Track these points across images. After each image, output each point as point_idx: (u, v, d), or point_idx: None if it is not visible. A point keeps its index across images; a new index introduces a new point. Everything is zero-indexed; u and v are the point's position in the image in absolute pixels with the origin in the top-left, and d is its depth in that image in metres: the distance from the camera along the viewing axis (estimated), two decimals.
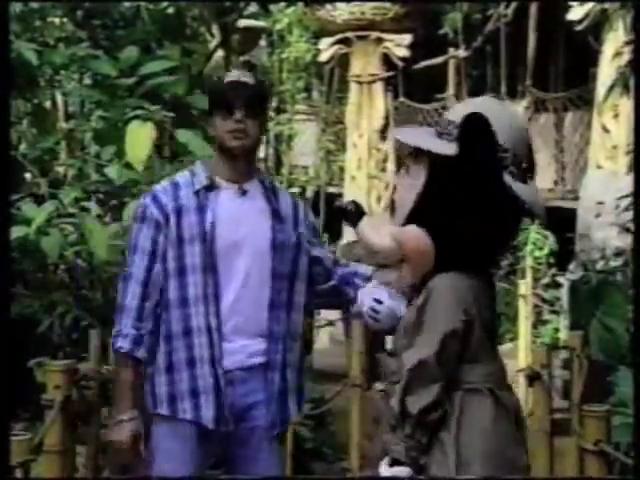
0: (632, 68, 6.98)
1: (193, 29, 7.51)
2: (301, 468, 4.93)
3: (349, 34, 12.28)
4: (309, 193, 13.54)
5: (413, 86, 12.69)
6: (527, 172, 2.48)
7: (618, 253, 7.44)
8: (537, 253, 9.84)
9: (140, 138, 5.16)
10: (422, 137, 2.52)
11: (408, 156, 2.54)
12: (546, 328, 8.82)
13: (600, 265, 7.65)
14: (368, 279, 2.89)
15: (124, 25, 6.86)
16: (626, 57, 8.61)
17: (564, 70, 12.48)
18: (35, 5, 6.15)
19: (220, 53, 8.00)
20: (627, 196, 6.63)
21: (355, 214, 2.62)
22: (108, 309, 5.52)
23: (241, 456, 2.88)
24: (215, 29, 7.97)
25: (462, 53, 12.13)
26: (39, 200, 5.32)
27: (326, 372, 6.64)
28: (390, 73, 12.44)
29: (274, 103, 13.53)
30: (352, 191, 12.31)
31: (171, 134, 5.55)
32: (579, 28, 9.78)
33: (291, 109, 14.20)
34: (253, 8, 9.39)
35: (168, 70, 6.01)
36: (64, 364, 3.45)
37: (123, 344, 2.82)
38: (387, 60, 12.35)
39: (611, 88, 8.54)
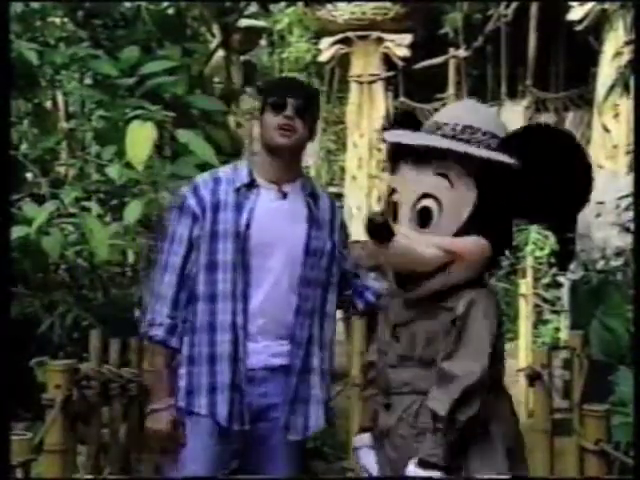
0: (632, 68, 6.98)
1: (193, 29, 7.51)
2: (303, 465, 4.92)
3: (349, 34, 12.27)
4: None
5: (413, 86, 12.68)
6: None
7: (618, 253, 7.43)
8: (538, 253, 9.84)
9: (141, 138, 5.16)
10: (464, 147, 2.47)
11: (451, 166, 2.48)
12: (547, 328, 8.82)
13: (600, 265, 7.64)
14: (379, 296, 2.91)
15: (125, 25, 6.86)
16: (626, 57, 8.61)
17: (564, 70, 12.46)
18: (36, 5, 6.15)
19: (220, 53, 8.01)
20: (627, 196, 6.63)
21: (385, 227, 2.48)
22: (109, 309, 5.55)
23: (256, 455, 2.88)
24: (215, 29, 7.98)
25: (462, 53, 12.13)
26: (40, 200, 5.32)
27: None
28: (390, 73, 12.44)
29: None
30: (353, 191, 12.32)
31: (172, 134, 5.55)
32: (579, 28, 9.78)
33: None
34: (253, 8, 9.40)
35: (168, 70, 6.01)
36: (65, 364, 3.45)
37: (158, 332, 2.82)
38: (387, 60, 12.35)
39: (611, 88, 8.55)
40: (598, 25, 9.71)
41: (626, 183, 7.37)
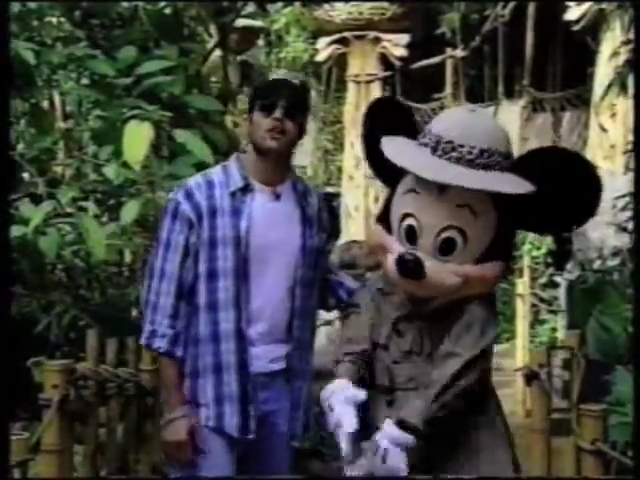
0: (631, 68, 6.98)
1: (191, 29, 7.49)
2: (299, 468, 4.93)
3: (347, 34, 12.30)
4: None
5: (411, 86, 12.70)
6: None
7: (615, 252, 7.43)
8: (535, 253, 9.85)
9: (138, 138, 5.14)
10: (491, 180, 2.45)
11: (472, 195, 2.46)
12: (544, 327, 8.83)
13: (597, 264, 7.64)
14: (351, 293, 2.89)
15: (122, 25, 6.84)
16: (623, 57, 8.61)
17: (562, 70, 12.49)
18: (33, 5, 6.13)
19: (218, 53, 7.98)
20: (624, 196, 6.63)
21: (418, 266, 2.48)
22: (106, 308, 5.54)
23: (255, 461, 2.85)
24: (213, 29, 7.96)
25: (460, 53, 12.15)
26: (37, 200, 5.31)
27: (323, 371, 6.62)
28: (388, 73, 12.46)
29: None
30: (350, 191, 12.32)
31: (169, 134, 5.54)
32: (576, 28, 9.80)
33: None
34: (251, 8, 9.38)
35: (166, 70, 6.00)
36: (62, 364, 3.44)
37: (161, 344, 2.76)
38: (385, 60, 12.37)
39: (608, 88, 8.54)
40: (595, 25, 9.74)
41: (623, 183, 7.36)
